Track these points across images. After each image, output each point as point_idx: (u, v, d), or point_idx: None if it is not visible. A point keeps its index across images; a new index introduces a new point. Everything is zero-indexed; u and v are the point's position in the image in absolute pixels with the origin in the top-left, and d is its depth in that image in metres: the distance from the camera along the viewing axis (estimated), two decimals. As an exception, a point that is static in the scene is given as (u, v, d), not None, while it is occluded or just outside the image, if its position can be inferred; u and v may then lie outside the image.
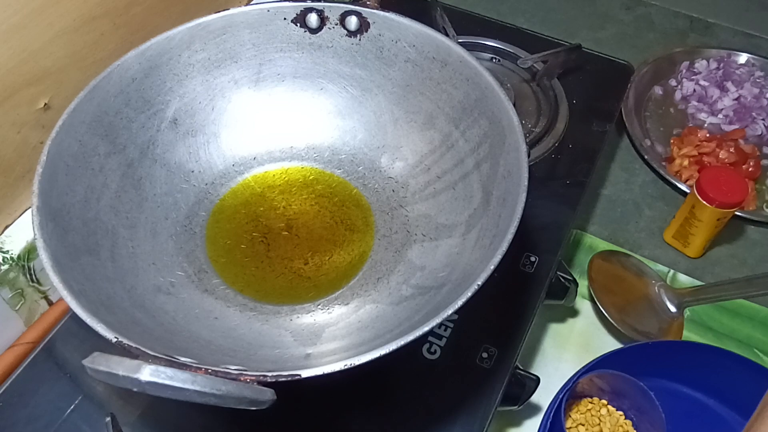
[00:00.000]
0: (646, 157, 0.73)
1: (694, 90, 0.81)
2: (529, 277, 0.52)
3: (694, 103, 0.80)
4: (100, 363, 0.28)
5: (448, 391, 0.46)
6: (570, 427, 0.52)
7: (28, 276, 0.51)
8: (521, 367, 0.49)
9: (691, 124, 0.78)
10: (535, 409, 0.54)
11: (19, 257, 0.50)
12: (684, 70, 0.83)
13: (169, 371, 0.28)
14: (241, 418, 0.43)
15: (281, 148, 0.53)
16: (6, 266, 0.49)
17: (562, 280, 0.55)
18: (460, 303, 0.34)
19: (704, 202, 0.59)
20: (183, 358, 0.30)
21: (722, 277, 0.65)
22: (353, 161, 0.52)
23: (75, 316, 0.33)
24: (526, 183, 0.39)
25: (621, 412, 0.53)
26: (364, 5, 0.49)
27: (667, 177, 0.71)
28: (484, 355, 0.47)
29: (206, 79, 0.50)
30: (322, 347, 0.41)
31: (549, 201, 0.58)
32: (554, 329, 0.60)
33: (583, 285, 0.61)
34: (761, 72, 0.82)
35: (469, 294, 0.34)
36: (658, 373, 0.54)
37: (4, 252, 0.50)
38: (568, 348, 0.59)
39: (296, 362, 0.40)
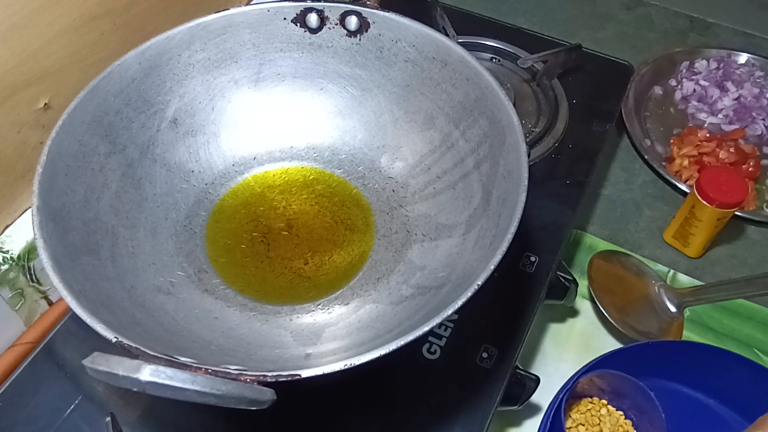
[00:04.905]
0: (646, 157, 0.73)
1: (694, 90, 0.81)
2: (529, 277, 0.52)
3: (694, 103, 0.80)
4: (100, 363, 0.28)
5: (448, 391, 0.46)
6: (570, 427, 0.52)
7: (28, 276, 0.51)
8: (521, 367, 0.49)
9: (691, 124, 0.78)
10: (535, 409, 0.54)
11: (19, 257, 0.50)
12: (684, 70, 0.83)
13: (169, 371, 0.28)
14: (241, 418, 0.43)
15: (281, 148, 0.53)
16: (6, 266, 0.49)
17: (562, 280, 0.55)
18: (460, 303, 0.34)
19: (704, 202, 0.59)
20: (183, 358, 0.30)
21: (722, 277, 0.65)
22: (353, 161, 0.52)
23: (75, 316, 0.33)
24: (526, 183, 0.39)
25: (621, 412, 0.53)
26: (364, 5, 0.49)
27: (667, 177, 0.71)
28: (484, 355, 0.47)
29: (206, 79, 0.50)
30: (322, 347, 0.41)
31: (549, 201, 0.58)
32: (554, 329, 0.60)
33: (583, 285, 0.61)
34: (761, 72, 0.82)
35: (469, 294, 0.34)
36: (658, 373, 0.54)
37: (4, 252, 0.50)
38: (568, 348, 0.59)
39: (296, 362, 0.40)
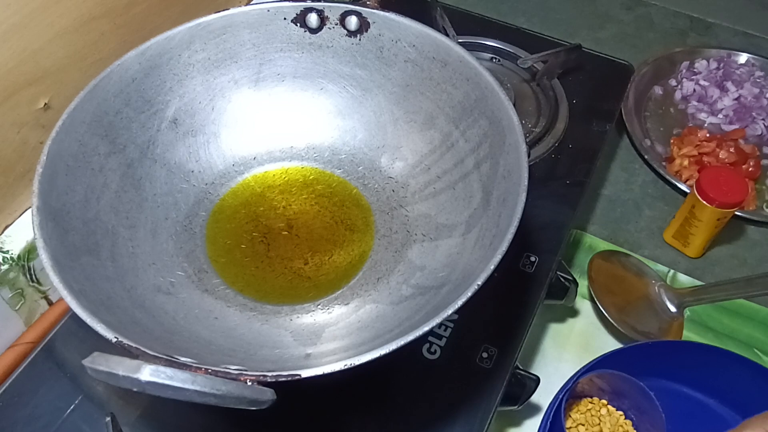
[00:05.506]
0: (646, 157, 0.73)
1: (694, 90, 0.81)
2: (529, 277, 0.52)
3: (694, 103, 0.80)
4: (100, 363, 0.28)
5: (448, 391, 0.46)
6: (570, 427, 0.52)
7: (28, 276, 0.51)
8: (521, 367, 0.49)
9: (691, 124, 0.78)
10: (535, 409, 0.54)
11: (19, 257, 0.50)
12: (684, 70, 0.83)
13: (169, 371, 0.28)
14: (241, 418, 0.43)
15: (281, 148, 0.53)
16: (6, 266, 0.49)
17: (562, 280, 0.55)
18: (460, 303, 0.34)
19: (704, 202, 0.59)
20: (183, 358, 0.30)
21: (722, 277, 0.65)
22: (353, 161, 0.52)
23: (75, 316, 0.33)
24: (526, 183, 0.39)
25: (621, 412, 0.53)
26: (364, 5, 0.49)
27: (667, 177, 0.71)
28: (484, 355, 0.47)
29: (206, 79, 0.50)
30: (322, 347, 0.41)
31: (549, 201, 0.58)
32: (554, 329, 0.60)
33: (583, 285, 0.61)
34: (761, 72, 0.82)
35: (469, 294, 0.34)
36: (658, 373, 0.54)
37: (4, 252, 0.50)
38: (568, 348, 0.59)
39: (296, 362, 0.40)
